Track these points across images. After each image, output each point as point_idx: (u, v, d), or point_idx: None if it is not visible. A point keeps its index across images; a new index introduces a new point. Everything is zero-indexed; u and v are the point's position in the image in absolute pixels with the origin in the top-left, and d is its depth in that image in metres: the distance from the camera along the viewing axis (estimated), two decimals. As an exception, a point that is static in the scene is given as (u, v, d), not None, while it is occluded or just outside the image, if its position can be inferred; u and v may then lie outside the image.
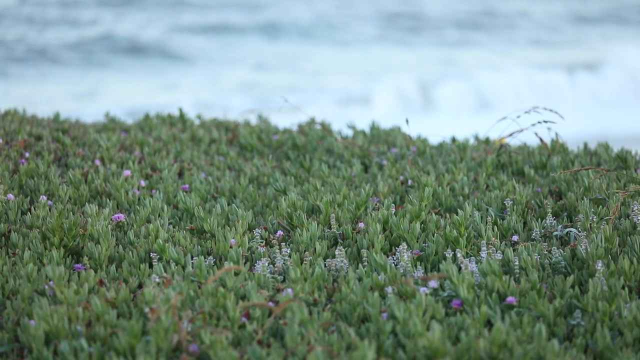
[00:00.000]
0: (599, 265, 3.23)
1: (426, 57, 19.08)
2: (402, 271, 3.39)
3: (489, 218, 3.84)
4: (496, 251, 3.55)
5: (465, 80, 17.09)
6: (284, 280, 3.47)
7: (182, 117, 6.34)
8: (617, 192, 4.04)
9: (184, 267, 3.54)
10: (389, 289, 3.15)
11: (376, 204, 4.29)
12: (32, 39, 18.48)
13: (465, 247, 3.64)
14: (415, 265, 3.51)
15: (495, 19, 21.93)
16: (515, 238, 3.81)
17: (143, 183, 4.69)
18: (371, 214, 3.98)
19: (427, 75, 17.44)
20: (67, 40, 18.58)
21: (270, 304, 3.02)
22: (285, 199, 4.16)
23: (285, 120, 6.38)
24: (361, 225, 3.95)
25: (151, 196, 4.46)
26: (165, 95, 16.00)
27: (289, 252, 3.61)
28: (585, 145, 5.23)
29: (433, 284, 3.20)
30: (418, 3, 22.53)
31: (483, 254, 3.47)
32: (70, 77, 16.98)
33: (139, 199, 4.43)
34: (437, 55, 19.15)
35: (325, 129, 5.81)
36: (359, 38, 20.35)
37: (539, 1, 23.59)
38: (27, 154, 4.94)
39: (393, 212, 3.99)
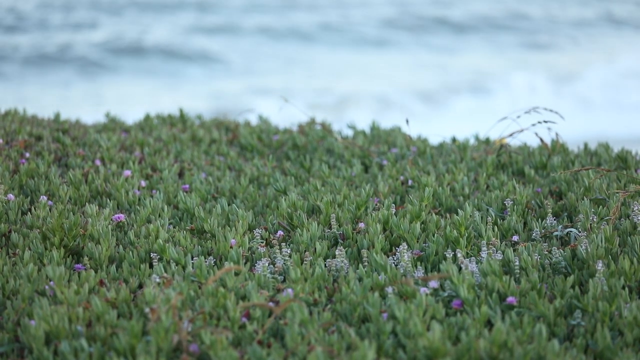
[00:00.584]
0: (599, 266, 3.23)
1: (430, 60, 19.07)
2: (402, 271, 3.39)
3: (489, 218, 3.83)
4: (496, 251, 3.54)
5: (471, 81, 17.09)
6: (284, 281, 3.47)
7: (182, 117, 6.34)
8: (617, 192, 4.04)
9: (184, 267, 3.54)
10: (389, 289, 3.15)
11: (376, 204, 4.29)
12: (37, 42, 18.48)
13: (466, 247, 3.64)
14: (416, 266, 3.51)
15: (501, 20, 21.92)
16: (515, 238, 3.81)
17: (143, 183, 4.69)
18: (371, 214, 3.97)
19: (431, 78, 17.44)
20: (70, 42, 18.58)
21: (271, 304, 3.02)
22: (285, 199, 4.16)
23: (286, 120, 6.38)
24: (361, 225, 3.95)
25: (151, 196, 4.46)
26: (170, 97, 15.99)
27: (289, 252, 3.61)
28: (586, 145, 5.23)
29: (433, 284, 3.20)
30: (420, 7, 22.52)
31: (483, 254, 3.47)
32: (74, 80, 16.98)
33: (139, 199, 4.43)
34: (447, 58, 19.14)
35: (326, 129, 5.80)
36: (365, 39, 20.35)
37: (546, 2, 23.58)
38: (27, 154, 4.94)
39: (393, 212, 3.98)
